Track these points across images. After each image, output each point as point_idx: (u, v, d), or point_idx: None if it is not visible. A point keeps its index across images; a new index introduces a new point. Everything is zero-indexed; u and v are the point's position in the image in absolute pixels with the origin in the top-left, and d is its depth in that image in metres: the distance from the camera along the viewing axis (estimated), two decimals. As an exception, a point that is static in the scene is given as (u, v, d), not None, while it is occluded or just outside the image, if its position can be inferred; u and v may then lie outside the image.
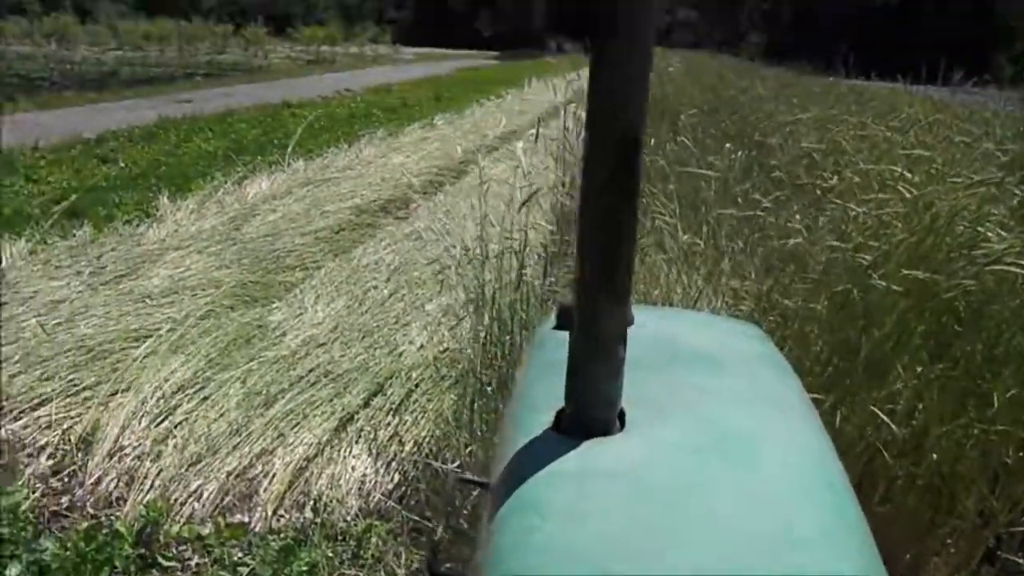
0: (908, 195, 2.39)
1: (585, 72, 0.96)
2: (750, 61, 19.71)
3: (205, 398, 3.52)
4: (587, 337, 0.96)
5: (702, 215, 3.54)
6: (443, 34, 50.21)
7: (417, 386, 3.65)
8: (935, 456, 2.49)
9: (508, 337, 2.80)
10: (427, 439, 3.24)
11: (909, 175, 2.48)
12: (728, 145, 4.12)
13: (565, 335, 1.14)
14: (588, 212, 0.93)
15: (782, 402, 1.17)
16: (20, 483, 2.99)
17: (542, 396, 1.10)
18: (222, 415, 3.40)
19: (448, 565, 2.32)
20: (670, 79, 8.72)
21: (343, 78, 22.23)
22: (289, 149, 8.67)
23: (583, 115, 0.92)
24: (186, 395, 3.53)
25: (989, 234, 2.20)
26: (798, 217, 2.69)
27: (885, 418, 2.11)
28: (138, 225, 6.27)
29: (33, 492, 2.96)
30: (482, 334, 2.80)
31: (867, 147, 3.46)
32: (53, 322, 4.20)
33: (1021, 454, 2.69)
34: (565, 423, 1.00)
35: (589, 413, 0.98)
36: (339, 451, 3.19)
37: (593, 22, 0.88)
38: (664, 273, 3.01)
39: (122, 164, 8.85)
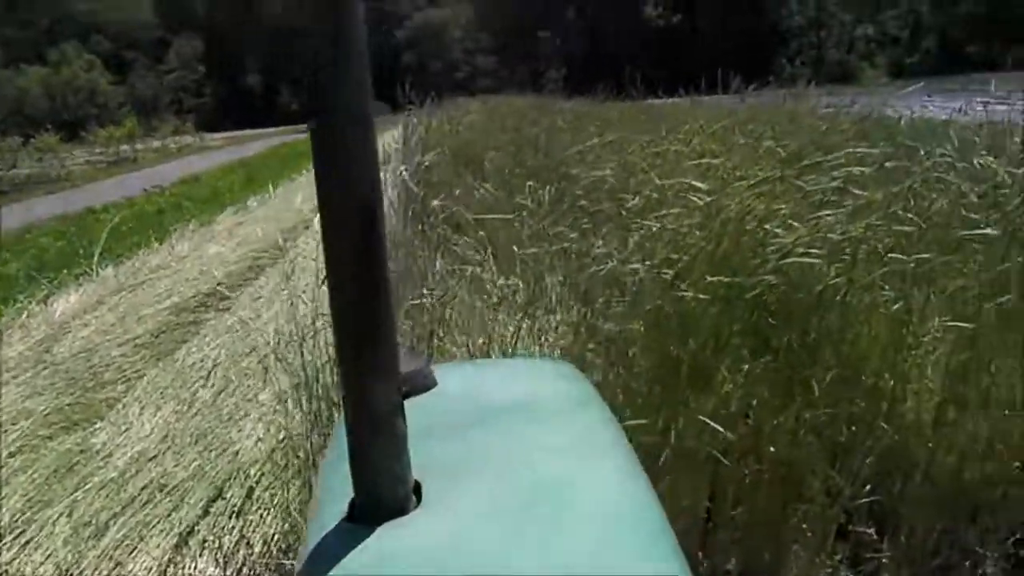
0: (700, 203, 2.45)
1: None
2: (550, 97, 20.36)
3: (27, 543, 3.23)
4: (361, 418, 0.90)
5: (516, 255, 3.55)
6: (247, 114, 49.45)
7: (258, 482, 3.48)
8: (772, 449, 2.55)
9: (339, 415, 2.69)
10: (275, 536, 3.08)
11: (700, 184, 2.55)
12: (530, 183, 4.17)
13: None
14: (338, 290, 0.88)
15: (593, 445, 1.13)
16: None
17: (339, 484, 1.03)
18: (48, 557, 3.12)
19: None
20: (468, 127, 8.85)
21: (149, 175, 21.48)
22: (95, 257, 8.25)
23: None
24: (4, 544, 3.23)
25: (777, 230, 2.28)
26: (602, 242, 2.72)
27: (714, 424, 2.13)
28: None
29: None
30: (310, 416, 2.69)
31: (661, 162, 3.55)
32: None
33: (852, 429, 2.80)
34: (358, 511, 0.93)
35: (379, 497, 0.92)
36: (183, 569, 2.98)
37: (310, 102, 0.84)
38: (481, 317, 2.98)
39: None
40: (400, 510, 0.92)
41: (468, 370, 1.73)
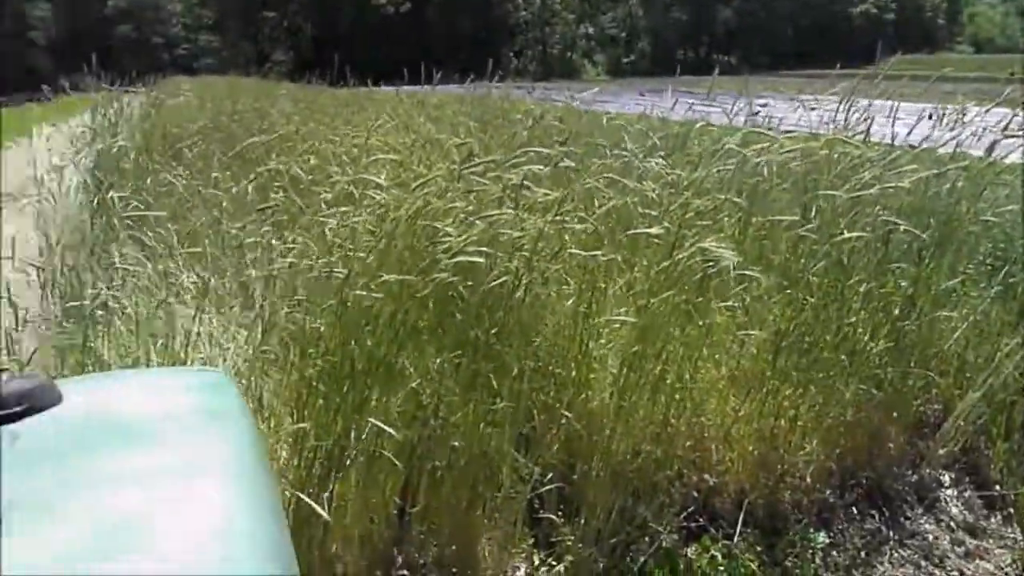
0: (380, 200, 2.43)
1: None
2: (274, 80, 19.84)
3: None
4: None
5: (206, 250, 3.38)
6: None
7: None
8: (459, 443, 2.57)
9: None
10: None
11: (380, 181, 2.52)
12: (226, 173, 3.98)
13: None
14: None
15: (213, 463, 1.06)
16: None
17: None
18: None
19: None
20: (174, 110, 8.36)
21: None
22: None
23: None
24: None
25: (448, 228, 2.29)
26: (292, 238, 2.63)
27: (382, 425, 2.12)
28: None
29: None
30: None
31: (358, 155, 3.50)
32: None
33: (543, 417, 2.90)
34: None
35: None
36: None
37: None
38: (169, 315, 2.80)
39: None
40: None
41: (101, 383, 1.59)
